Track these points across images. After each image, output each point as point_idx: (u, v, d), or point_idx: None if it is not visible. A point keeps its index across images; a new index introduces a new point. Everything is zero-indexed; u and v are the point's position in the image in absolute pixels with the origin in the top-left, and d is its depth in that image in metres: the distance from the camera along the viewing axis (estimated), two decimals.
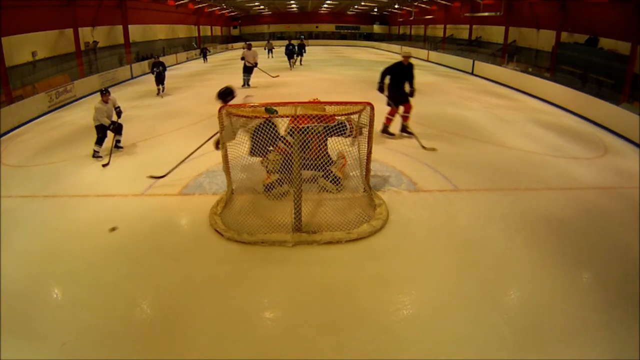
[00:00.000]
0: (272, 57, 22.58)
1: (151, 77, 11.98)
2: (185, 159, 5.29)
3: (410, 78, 6.53)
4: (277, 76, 14.29)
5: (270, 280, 3.30)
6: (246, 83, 12.51)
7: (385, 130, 6.80)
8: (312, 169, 4.50)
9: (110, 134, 6.47)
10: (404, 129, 6.77)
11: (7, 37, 10.91)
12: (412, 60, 6.68)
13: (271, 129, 4.25)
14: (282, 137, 4.48)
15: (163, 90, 11.96)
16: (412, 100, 6.76)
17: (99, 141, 6.34)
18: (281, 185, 4.57)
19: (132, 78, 16.35)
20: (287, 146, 4.37)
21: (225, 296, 3.13)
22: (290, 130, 4.33)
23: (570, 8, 13.76)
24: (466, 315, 2.89)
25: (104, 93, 6.44)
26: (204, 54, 23.64)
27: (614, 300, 3.06)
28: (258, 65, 12.63)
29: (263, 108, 4.04)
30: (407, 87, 6.67)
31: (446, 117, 8.67)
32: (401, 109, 6.72)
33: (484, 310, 2.94)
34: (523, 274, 3.39)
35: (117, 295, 3.15)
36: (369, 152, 4.41)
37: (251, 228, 3.89)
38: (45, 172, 5.87)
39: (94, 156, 6.29)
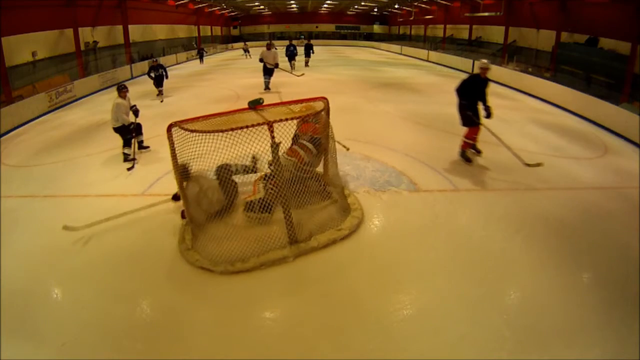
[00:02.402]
0: None
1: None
2: (117, 216, 4.22)
3: (484, 95, 5.61)
4: (302, 74, 13.44)
5: (271, 281, 3.30)
6: (267, 86, 11.59)
7: (464, 155, 5.79)
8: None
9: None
10: (474, 146, 5.90)
11: (7, 37, 10.91)
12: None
13: (228, 172, 4.02)
14: (298, 141, 4.33)
15: (161, 94, 11.38)
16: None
17: (127, 143, 6.06)
18: (262, 211, 3.98)
19: (132, 78, 16.35)
20: (307, 153, 4.26)
21: (226, 296, 3.13)
22: (311, 138, 4.28)
23: (570, 8, 13.76)
24: (466, 315, 2.89)
25: (122, 89, 6.12)
26: (200, 55, 22.87)
27: (614, 300, 3.07)
28: (279, 66, 11.66)
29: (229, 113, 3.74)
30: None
31: (446, 117, 8.64)
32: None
33: (484, 310, 2.94)
34: (523, 274, 3.39)
35: (117, 295, 3.15)
36: (328, 147, 4.40)
37: (240, 254, 3.45)
38: (45, 172, 5.87)
39: (125, 160, 6.01)
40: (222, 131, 3.34)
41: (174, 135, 3.53)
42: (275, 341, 2.71)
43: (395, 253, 3.67)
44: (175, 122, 3.50)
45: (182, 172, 3.87)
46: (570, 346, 2.65)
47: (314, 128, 4.36)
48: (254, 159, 4.20)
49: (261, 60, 11.39)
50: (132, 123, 6.15)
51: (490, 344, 2.64)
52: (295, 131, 4.40)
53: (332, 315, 2.91)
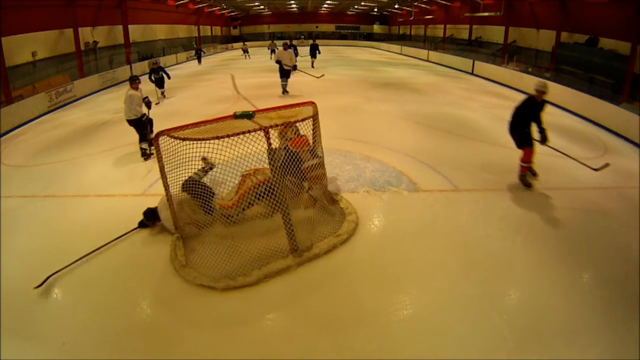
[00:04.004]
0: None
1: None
2: (88, 254, 3.65)
3: (538, 117, 4.98)
4: (322, 75, 12.55)
5: (271, 283, 3.29)
6: (285, 89, 10.79)
7: (523, 180, 5.16)
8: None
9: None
10: (530, 169, 5.23)
11: (7, 37, 10.92)
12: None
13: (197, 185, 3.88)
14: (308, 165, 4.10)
15: (163, 96, 11.15)
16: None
17: (143, 138, 5.94)
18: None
19: None
20: (323, 170, 4.16)
21: (226, 296, 3.13)
22: (311, 152, 4.19)
23: (570, 8, 13.76)
24: (466, 315, 2.89)
25: (134, 80, 6.04)
26: (198, 56, 22.11)
27: (614, 300, 3.07)
28: (298, 67, 10.84)
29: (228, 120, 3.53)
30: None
31: (446, 117, 8.68)
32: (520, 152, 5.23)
33: (484, 310, 2.94)
34: (523, 274, 3.39)
35: (117, 295, 3.15)
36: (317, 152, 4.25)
37: (241, 268, 3.33)
38: (45, 172, 5.87)
39: (143, 155, 5.93)
40: (218, 138, 3.17)
41: (167, 141, 3.41)
42: (275, 341, 2.71)
43: (395, 253, 3.67)
44: (163, 131, 3.39)
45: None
46: (570, 346, 2.65)
47: (306, 141, 4.18)
48: (205, 159, 3.95)
49: (278, 61, 10.48)
50: (145, 115, 6.09)
51: (490, 344, 2.64)
52: (286, 145, 4.12)
53: (333, 316, 2.91)
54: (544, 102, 5.02)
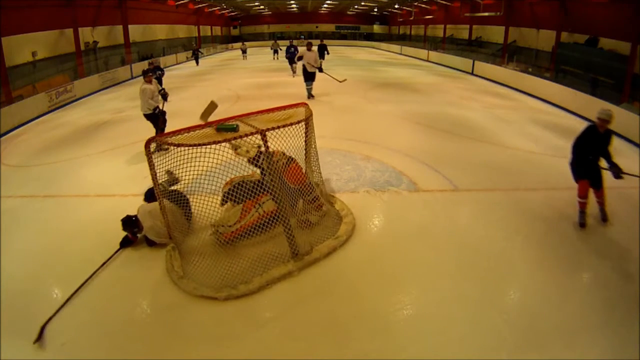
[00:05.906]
0: (277, 58, 21.77)
1: None
2: (77, 290, 3.23)
3: (605, 151, 4.22)
4: (345, 80, 11.66)
5: (272, 289, 3.26)
6: (310, 93, 10.11)
7: (580, 217, 4.27)
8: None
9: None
10: (601, 210, 4.41)
11: (7, 37, 10.92)
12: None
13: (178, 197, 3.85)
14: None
15: None
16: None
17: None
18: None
19: (132, 78, 16.35)
20: (320, 200, 4.00)
21: (228, 304, 3.10)
22: (309, 185, 4.01)
23: (570, 8, 13.77)
24: (466, 315, 2.90)
25: (147, 73, 5.97)
26: (196, 57, 21.28)
27: (614, 300, 3.07)
28: (323, 69, 10.13)
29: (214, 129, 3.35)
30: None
31: (446, 117, 8.68)
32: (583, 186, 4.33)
33: (484, 310, 2.95)
34: (523, 274, 3.39)
35: (117, 295, 3.15)
36: (310, 155, 4.11)
37: (242, 276, 3.27)
38: (45, 172, 5.87)
39: (157, 151, 5.88)
40: (216, 142, 3.09)
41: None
42: (277, 343, 2.71)
43: (396, 253, 3.67)
44: (154, 137, 3.38)
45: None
46: (570, 346, 2.65)
47: (302, 173, 3.98)
48: (169, 172, 3.85)
49: (299, 58, 9.73)
50: (157, 107, 5.99)
51: (490, 344, 2.64)
52: (278, 174, 3.72)
53: (334, 318, 2.91)
54: (609, 132, 4.21)
